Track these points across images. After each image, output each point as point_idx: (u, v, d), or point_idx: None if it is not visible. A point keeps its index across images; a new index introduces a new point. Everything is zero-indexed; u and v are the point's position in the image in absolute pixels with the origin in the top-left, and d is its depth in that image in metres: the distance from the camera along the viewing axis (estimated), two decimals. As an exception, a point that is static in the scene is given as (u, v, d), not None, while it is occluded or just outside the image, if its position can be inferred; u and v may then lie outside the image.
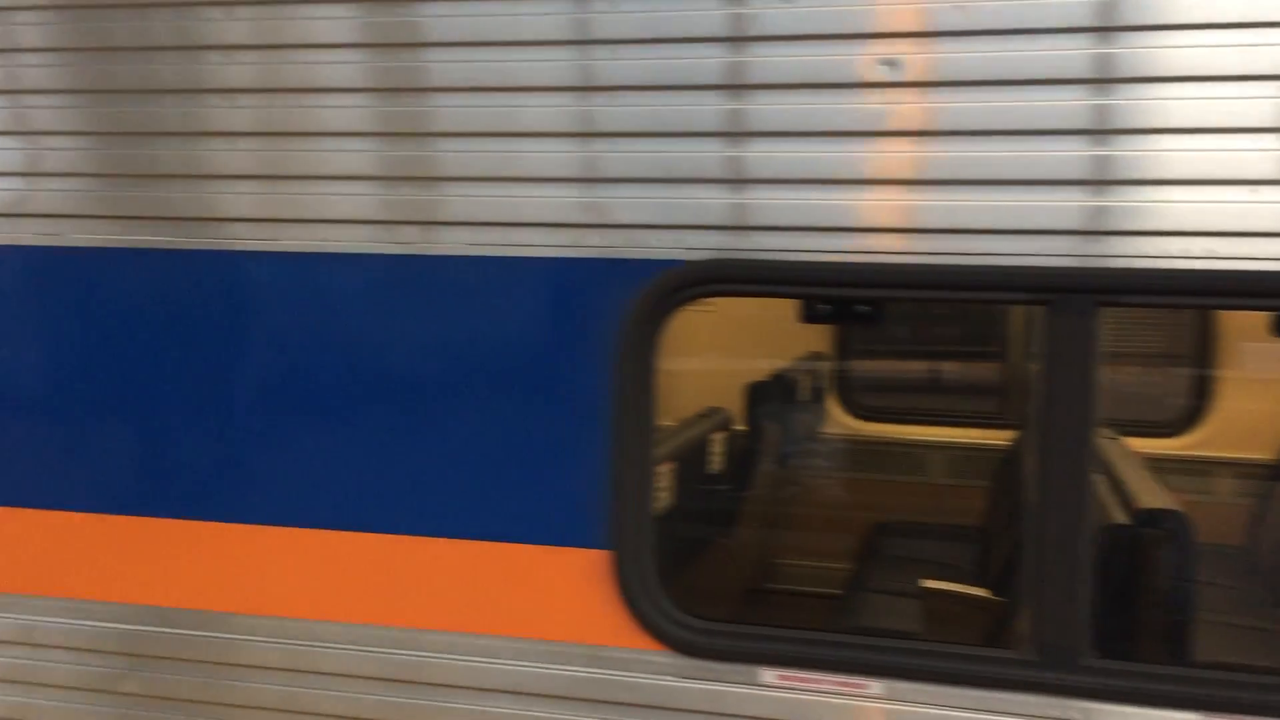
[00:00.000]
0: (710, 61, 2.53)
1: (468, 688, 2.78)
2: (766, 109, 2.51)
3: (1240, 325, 5.13)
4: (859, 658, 2.60)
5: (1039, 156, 2.39)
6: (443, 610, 2.78)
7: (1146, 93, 2.34)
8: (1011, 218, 2.42)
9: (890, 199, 2.49)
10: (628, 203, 2.60)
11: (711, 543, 4.94)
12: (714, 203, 2.56)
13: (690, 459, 4.54)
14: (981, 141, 2.42)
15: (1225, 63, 2.30)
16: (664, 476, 3.72)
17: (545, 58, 2.61)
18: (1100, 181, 2.38)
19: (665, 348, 2.67)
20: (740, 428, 5.31)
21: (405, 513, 2.78)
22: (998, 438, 5.26)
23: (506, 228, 2.67)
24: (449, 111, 2.68)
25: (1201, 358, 5.34)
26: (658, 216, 2.59)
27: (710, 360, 5.28)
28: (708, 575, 4.79)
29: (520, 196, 2.65)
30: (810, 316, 2.68)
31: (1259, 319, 2.52)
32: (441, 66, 2.68)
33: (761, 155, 2.53)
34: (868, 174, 2.49)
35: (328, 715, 2.86)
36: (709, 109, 2.54)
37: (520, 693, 2.75)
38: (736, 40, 2.51)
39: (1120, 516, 3.27)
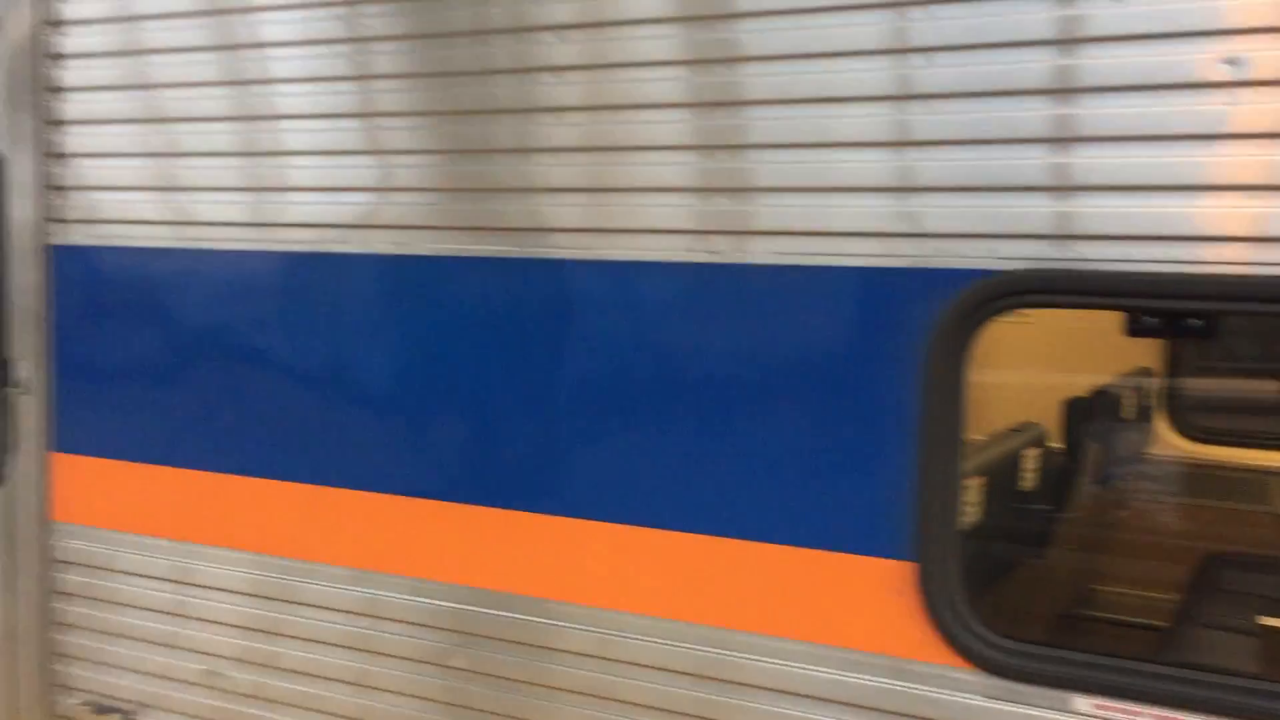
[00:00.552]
0: (1035, 65, 2.46)
1: (769, 689, 2.82)
2: (1095, 113, 2.41)
3: None
4: (1188, 693, 2.44)
5: None
6: (747, 611, 2.83)
7: None
8: None
9: (1231, 206, 2.33)
10: (941, 211, 2.57)
11: (1021, 562, 4.75)
12: (1033, 211, 2.48)
13: (1000, 475, 4.39)
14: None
15: None
16: (972, 491, 3.63)
17: (860, 68, 2.62)
18: None
19: (976, 359, 2.61)
20: (1056, 445, 5.07)
21: (715, 515, 2.84)
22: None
23: (817, 237, 2.70)
24: (764, 124, 2.74)
25: None
26: (972, 225, 2.54)
27: (1025, 373, 5.08)
28: (1017, 595, 4.61)
29: (832, 206, 2.68)
30: (1137, 330, 2.54)
31: None
32: (758, 80, 2.74)
33: (1088, 161, 2.43)
34: (1206, 180, 2.34)
35: (635, 704, 2.97)
36: (1032, 114, 2.46)
37: (820, 698, 2.76)
38: (1062, 43, 2.43)
39: None
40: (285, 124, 3.35)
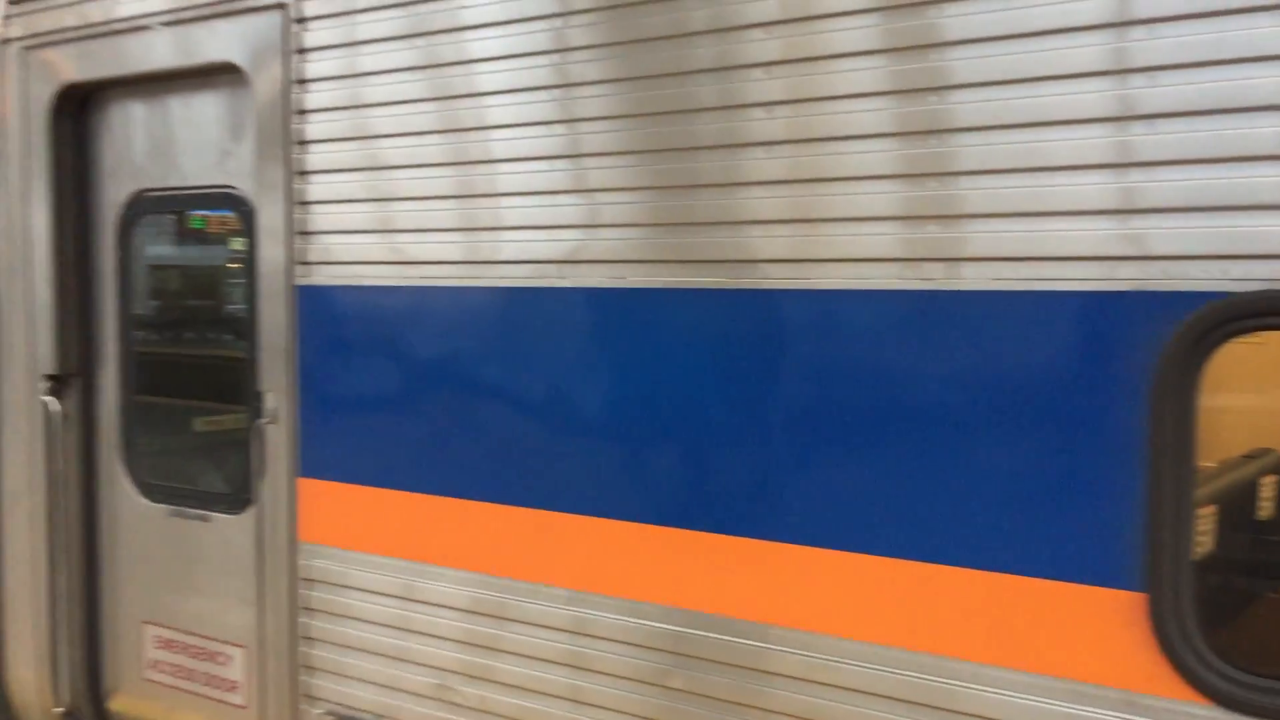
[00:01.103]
0: (1268, 81, 2.37)
1: (990, 719, 2.78)
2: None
3: None
4: None
5: None
6: (968, 640, 2.81)
7: None
8: None
9: None
10: (1168, 233, 2.50)
11: (1260, 595, 4.50)
12: (1269, 230, 2.39)
13: (1235, 502, 4.18)
14: None
15: None
16: (1205, 520, 3.47)
17: (1078, 90, 2.58)
18: None
19: (1207, 384, 2.52)
20: (1295, 471, 4.78)
21: (935, 542, 2.84)
22: None
23: (1035, 262, 2.66)
24: (974, 150, 2.73)
25: None
26: (1202, 246, 2.46)
27: (1261, 397, 4.81)
28: (1255, 629, 4.36)
29: (1050, 230, 2.64)
30: None
31: None
32: (968, 107, 2.73)
33: None
34: None
35: (850, 730, 2.99)
36: (1268, 130, 2.38)
37: (1046, 731, 2.72)
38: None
39: None
40: (501, 167, 3.53)
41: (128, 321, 4.79)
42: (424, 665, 3.78)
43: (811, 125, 2.96)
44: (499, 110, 3.53)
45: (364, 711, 3.94)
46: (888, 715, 2.92)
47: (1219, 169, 2.44)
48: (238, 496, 4.36)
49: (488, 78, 3.55)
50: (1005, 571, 2.74)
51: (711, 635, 3.20)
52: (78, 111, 4.78)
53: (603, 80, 3.31)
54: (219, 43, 4.19)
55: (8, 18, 4.91)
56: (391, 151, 3.77)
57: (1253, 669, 2.50)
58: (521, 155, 3.48)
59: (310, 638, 4.06)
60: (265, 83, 4.05)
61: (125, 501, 4.78)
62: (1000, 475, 2.74)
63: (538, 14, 3.41)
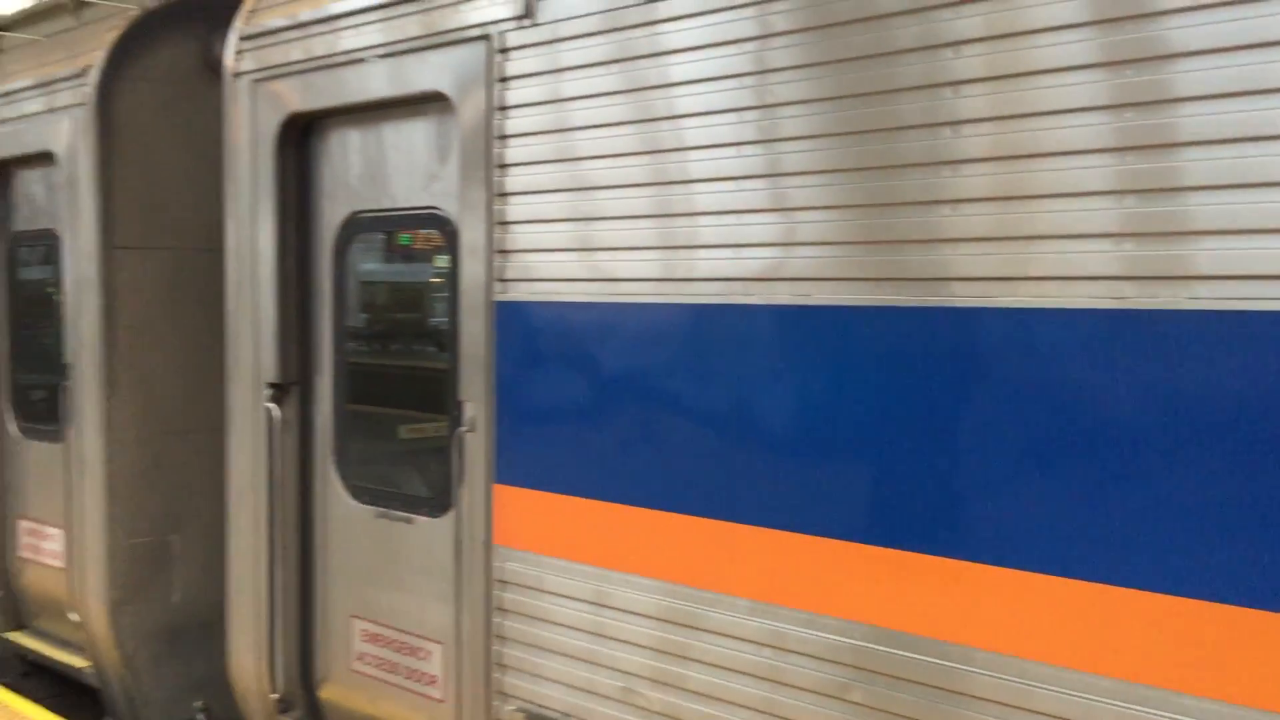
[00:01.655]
0: None
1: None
2: None
3: None
4: None
5: None
6: (1164, 667, 2.73)
7: None
8: None
9: None
10: None
11: None
12: None
13: None
14: None
15: None
16: None
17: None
18: None
19: None
20: None
21: (1134, 567, 2.77)
22: None
23: (1239, 281, 2.59)
24: (1199, 166, 2.66)
25: None
26: None
27: None
28: None
29: (1259, 249, 2.57)
30: None
31: None
32: (1187, 120, 2.67)
33: None
34: None
35: (1036, 754, 2.94)
36: None
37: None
38: None
39: None
40: (696, 187, 3.63)
41: (341, 334, 5.12)
42: (613, 669, 3.90)
43: (1009, 143, 2.93)
44: (694, 132, 3.61)
45: (553, 710, 4.09)
46: None
47: None
48: (438, 501, 4.60)
49: (684, 100, 3.63)
50: (1208, 599, 2.66)
51: (896, 651, 3.20)
52: (300, 139, 5.15)
53: (798, 101, 3.35)
54: (429, 73, 4.45)
55: (240, 53, 5.34)
56: (590, 173, 3.92)
57: None
58: (717, 175, 3.55)
59: (504, 637, 4.24)
60: (469, 110, 4.28)
61: (337, 503, 5.11)
62: (1208, 501, 2.66)
63: (740, 37, 3.49)
